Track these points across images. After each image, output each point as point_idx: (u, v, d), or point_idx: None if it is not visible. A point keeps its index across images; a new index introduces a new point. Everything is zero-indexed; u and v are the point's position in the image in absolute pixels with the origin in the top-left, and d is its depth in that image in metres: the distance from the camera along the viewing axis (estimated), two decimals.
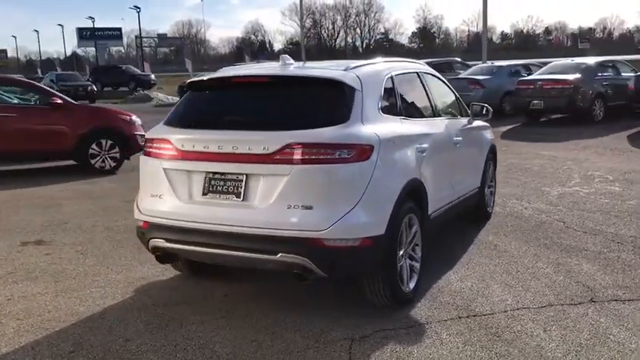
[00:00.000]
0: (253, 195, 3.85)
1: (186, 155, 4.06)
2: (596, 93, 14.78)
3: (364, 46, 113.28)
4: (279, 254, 3.75)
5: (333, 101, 4.01)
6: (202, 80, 4.47)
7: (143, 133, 11.05)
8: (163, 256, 4.32)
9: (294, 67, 4.51)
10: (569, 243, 5.73)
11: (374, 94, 4.24)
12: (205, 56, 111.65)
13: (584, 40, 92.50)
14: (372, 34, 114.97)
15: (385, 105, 4.35)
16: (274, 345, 3.76)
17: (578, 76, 14.85)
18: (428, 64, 6.44)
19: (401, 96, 4.67)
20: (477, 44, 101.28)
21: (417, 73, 5.27)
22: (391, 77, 4.61)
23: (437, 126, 5.14)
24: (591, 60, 16.25)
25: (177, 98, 33.75)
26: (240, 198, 3.89)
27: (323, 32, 57.82)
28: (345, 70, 4.25)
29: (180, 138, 4.10)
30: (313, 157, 3.72)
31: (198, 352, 3.69)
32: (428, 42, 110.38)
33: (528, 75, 17.06)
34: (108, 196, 8.47)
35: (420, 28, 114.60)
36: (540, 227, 6.31)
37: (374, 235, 3.82)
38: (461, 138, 5.58)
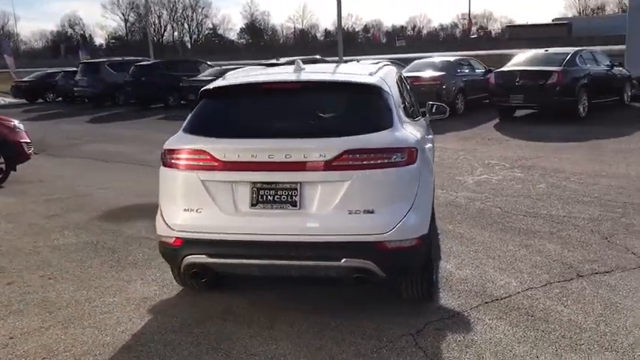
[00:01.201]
0: (310, 203, 3.85)
1: (229, 166, 3.92)
2: (457, 88, 16.20)
3: (192, 41, 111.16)
4: (344, 259, 3.80)
5: (376, 106, 4.11)
6: (226, 87, 4.33)
7: (29, 141, 10.07)
8: (200, 273, 4.12)
9: (313, 72, 4.54)
10: (520, 226, 6.37)
11: (397, 98, 4.42)
12: (16, 51, 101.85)
13: (400, 38, 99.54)
14: (200, 29, 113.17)
15: (402, 107, 4.54)
16: (344, 350, 3.81)
17: (443, 73, 16.17)
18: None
19: (404, 98, 4.90)
20: (303, 41, 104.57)
21: (401, 73, 5.53)
22: (398, 79, 4.82)
23: (424, 126, 5.45)
24: (451, 58, 17.77)
25: (11, 99, 30.68)
26: (296, 207, 3.86)
27: (149, 27, 55.23)
28: (370, 74, 4.38)
29: (221, 148, 3.94)
30: (372, 162, 3.82)
31: None
32: (256, 39, 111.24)
33: None
34: (20, 213, 7.64)
35: (247, 24, 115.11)
36: (483, 214, 6.90)
37: (423, 234, 4.01)
38: (430, 136, 5.95)
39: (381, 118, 4.04)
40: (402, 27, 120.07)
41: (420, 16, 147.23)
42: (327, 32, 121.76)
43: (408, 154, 3.92)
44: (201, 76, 21.25)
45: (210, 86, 4.40)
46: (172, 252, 4.12)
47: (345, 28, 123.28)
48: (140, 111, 22.42)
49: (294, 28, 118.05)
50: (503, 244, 5.78)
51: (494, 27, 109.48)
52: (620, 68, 16.10)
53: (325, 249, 3.81)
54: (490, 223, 6.51)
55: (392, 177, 3.86)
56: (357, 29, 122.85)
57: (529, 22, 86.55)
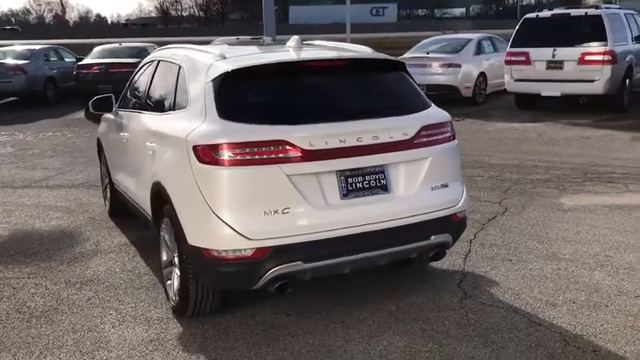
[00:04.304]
0: (396, 184, 3.72)
1: (315, 155, 3.45)
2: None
3: None
4: (432, 237, 3.83)
5: (413, 84, 4.11)
6: (260, 65, 3.70)
7: None
8: (289, 283, 3.52)
9: (320, 49, 4.26)
10: None
11: None
12: None
13: None
14: None
15: None
16: (442, 347, 3.84)
17: (138, 59, 15.40)
18: None
19: None
20: None
21: None
22: None
23: None
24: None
25: None
26: (387, 191, 3.68)
27: None
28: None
29: (306, 135, 3.44)
30: (440, 137, 3.91)
31: None
32: None
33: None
34: None
35: None
36: None
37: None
38: None
39: (421, 95, 4.08)
40: None
41: None
42: None
43: (452, 128, 4.08)
44: None
45: (240, 66, 3.67)
46: (250, 267, 3.42)
47: None
48: None
49: None
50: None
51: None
52: None
53: (416, 230, 3.76)
54: None
55: (453, 149, 4.01)
56: None
57: None
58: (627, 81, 11.75)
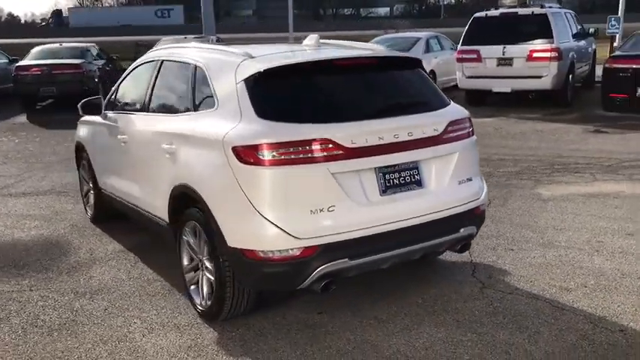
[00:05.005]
0: (429, 180, 3.80)
1: (357, 153, 3.49)
2: (98, 77, 15.15)
3: None
4: (462, 229, 3.94)
5: (430, 80, 4.21)
6: (293, 64, 3.69)
7: None
8: (334, 281, 3.53)
9: (339, 48, 4.29)
10: None
11: None
12: None
13: None
14: None
15: None
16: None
17: (83, 60, 14.84)
18: None
19: None
20: None
21: None
22: None
23: None
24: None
25: None
26: (421, 186, 3.76)
27: None
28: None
29: (347, 133, 3.46)
30: (464, 132, 4.02)
31: None
32: None
33: None
34: None
35: None
36: None
37: None
38: None
39: (440, 92, 4.19)
40: None
41: None
42: None
43: (471, 123, 4.21)
44: None
45: (273, 65, 3.64)
46: (297, 267, 3.40)
47: None
48: None
49: None
50: None
51: None
52: None
53: (447, 223, 3.85)
54: None
55: (474, 144, 4.14)
56: None
57: None
58: (570, 76, 12.38)
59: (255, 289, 3.76)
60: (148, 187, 4.55)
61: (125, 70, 5.53)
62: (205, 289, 3.90)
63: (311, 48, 4.21)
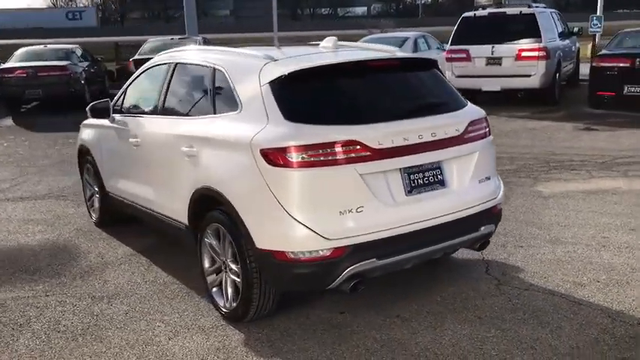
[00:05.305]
0: (451, 179, 3.86)
1: (383, 153, 3.53)
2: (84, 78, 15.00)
3: None
4: (482, 228, 4.01)
5: (447, 81, 4.27)
6: (318, 67, 3.72)
7: None
8: (363, 281, 3.57)
9: (357, 49, 4.33)
10: None
11: None
12: None
13: None
14: None
15: None
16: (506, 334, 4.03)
17: (69, 62, 14.67)
18: None
19: None
20: None
21: None
22: None
23: None
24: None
25: None
26: (444, 186, 3.82)
27: None
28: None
29: (374, 135, 3.50)
30: (482, 132, 4.09)
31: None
32: None
33: None
34: None
35: None
36: None
37: None
38: None
39: (457, 92, 4.25)
40: None
41: None
42: None
43: (488, 123, 4.27)
44: None
45: (298, 67, 3.67)
46: (327, 267, 3.44)
47: None
48: None
49: None
50: None
51: None
52: None
53: (469, 222, 3.92)
54: None
55: (491, 144, 4.21)
56: None
57: None
58: (557, 75, 12.58)
59: (283, 290, 3.78)
60: (164, 189, 4.54)
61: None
62: (230, 291, 3.91)
63: (329, 50, 4.24)
